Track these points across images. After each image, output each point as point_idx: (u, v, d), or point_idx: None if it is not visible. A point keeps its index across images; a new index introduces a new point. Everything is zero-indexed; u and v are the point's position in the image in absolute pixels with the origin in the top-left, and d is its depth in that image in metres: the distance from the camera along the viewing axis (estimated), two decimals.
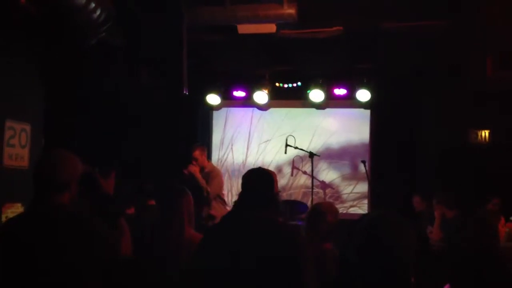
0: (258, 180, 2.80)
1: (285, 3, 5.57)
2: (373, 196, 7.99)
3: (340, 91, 8.16)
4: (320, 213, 3.96)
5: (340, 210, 8.16)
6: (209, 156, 8.84)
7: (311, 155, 6.90)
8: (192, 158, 6.43)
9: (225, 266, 2.54)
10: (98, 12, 4.94)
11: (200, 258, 2.71)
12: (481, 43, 6.10)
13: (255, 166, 3.05)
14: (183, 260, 3.26)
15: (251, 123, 8.83)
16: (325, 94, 7.99)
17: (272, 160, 8.45)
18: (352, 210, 8.24)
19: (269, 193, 2.76)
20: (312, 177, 6.98)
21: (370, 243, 2.02)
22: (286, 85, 8.25)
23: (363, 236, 2.04)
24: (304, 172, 8.03)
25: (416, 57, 7.07)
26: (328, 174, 8.48)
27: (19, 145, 5.71)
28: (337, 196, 8.47)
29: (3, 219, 5.33)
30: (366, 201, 8.31)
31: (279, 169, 8.47)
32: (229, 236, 2.65)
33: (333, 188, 8.45)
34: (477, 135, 7.58)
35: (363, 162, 7.06)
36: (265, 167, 3.08)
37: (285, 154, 7.32)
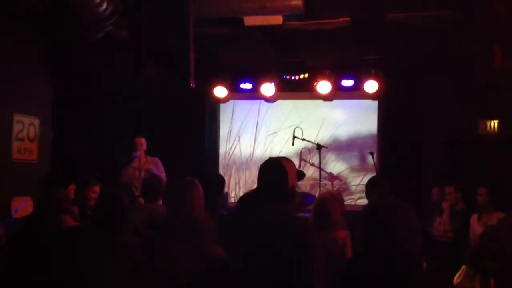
0: (274, 172, 2.73)
1: None
2: None
3: (347, 82, 8.11)
4: (325, 203, 4.00)
5: (348, 202, 8.28)
6: (216, 149, 8.87)
7: (319, 147, 6.89)
8: (138, 144, 6.58)
9: (235, 260, 2.53)
10: (104, 5, 4.94)
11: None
12: (489, 33, 6.04)
13: (262, 159, 2.97)
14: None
15: (258, 115, 8.82)
16: (332, 86, 7.96)
17: (279, 152, 8.44)
18: (360, 202, 8.22)
19: (284, 186, 2.68)
20: (320, 169, 6.97)
21: (374, 228, 2.03)
22: (293, 77, 8.22)
23: (367, 222, 2.05)
24: (312, 164, 8.01)
25: (424, 47, 7.02)
26: (336, 165, 8.47)
27: (27, 139, 5.75)
28: (345, 187, 8.45)
29: (12, 212, 5.37)
30: None
31: None
32: (239, 229, 2.63)
33: (341, 180, 8.44)
34: (486, 125, 7.53)
35: (371, 153, 7.04)
36: (289, 158, 2.98)
37: (292, 146, 7.30)
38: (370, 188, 4.55)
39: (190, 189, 3.54)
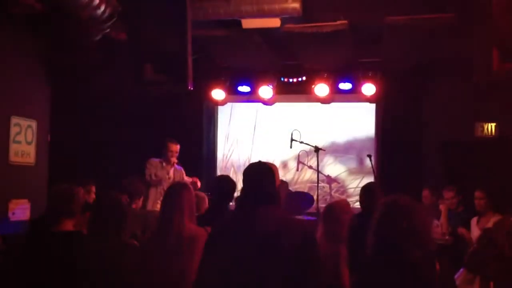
0: (259, 175, 2.74)
1: None
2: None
3: (345, 85, 8.11)
4: (338, 214, 3.97)
5: None
6: (214, 151, 8.86)
7: (317, 149, 6.88)
8: (174, 150, 6.48)
9: (233, 267, 2.49)
10: (102, 8, 4.94)
11: (208, 260, 2.64)
12: (487, 36, 6.05)
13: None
14: (184, 255, 3.25)
15: (256, 118, 8.82)
16: (330, 88, 7.96)
17: (277, 155, 8.44)
18: (358, 205, 8.20)
19: (271, 188, 2.70)
20: (318, 171, 6.96)
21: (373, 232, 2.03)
22: (291, 80, 8.21)
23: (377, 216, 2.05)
24: (310, 167, 8.00)
25: (422, 50, 7.03)
26: (334, 168, 8.46)
27: (25, 142, 5.73)
28: (343, 190, 8.45)
29: (9, 215, 5.36)
30: None
31: (285, 164, 8.47)
32: (236, 236, 2.59)
33: (339, 183, 8.43)
34: (483, 128, 7.54)
35: (369, 156, 7.03)
36: (270, 162, 3.01)
37: (290, 149, 7.29)
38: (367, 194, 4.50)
39: (181, 192, 3.56)
